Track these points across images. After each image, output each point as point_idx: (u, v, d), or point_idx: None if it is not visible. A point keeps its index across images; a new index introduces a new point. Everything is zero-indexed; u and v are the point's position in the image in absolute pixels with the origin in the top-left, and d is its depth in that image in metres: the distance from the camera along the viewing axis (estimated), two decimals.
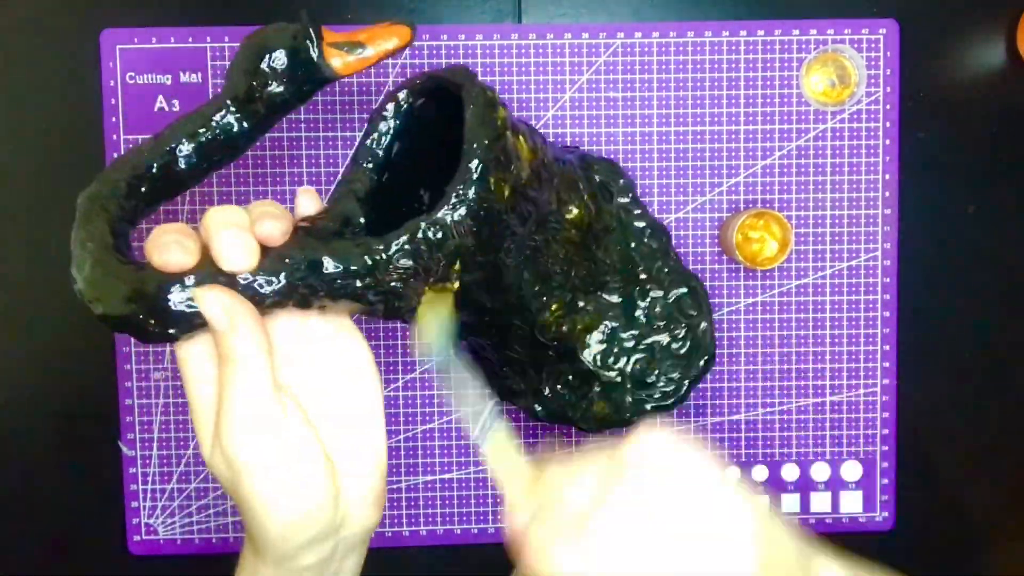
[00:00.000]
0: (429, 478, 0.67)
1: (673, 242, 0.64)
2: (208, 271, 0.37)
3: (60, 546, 0.67)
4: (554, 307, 0.58)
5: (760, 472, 0.68)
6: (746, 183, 0.66)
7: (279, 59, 0.42)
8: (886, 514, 0.68)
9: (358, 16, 0.65)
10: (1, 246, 0.66)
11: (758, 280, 0.67)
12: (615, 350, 0.61)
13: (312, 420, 0.39)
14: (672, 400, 0.61)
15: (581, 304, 0.60)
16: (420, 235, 0.41)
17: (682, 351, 0.61)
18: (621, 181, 0.63)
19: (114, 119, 0.65)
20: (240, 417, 0.36)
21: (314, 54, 0.42)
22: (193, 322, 0.36)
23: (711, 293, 0.67)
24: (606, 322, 0.61)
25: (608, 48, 0.66)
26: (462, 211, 0.42)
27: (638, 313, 0.62)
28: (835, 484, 0.68)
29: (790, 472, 0.68)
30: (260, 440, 0.37)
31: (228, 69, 0.42)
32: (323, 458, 0.39)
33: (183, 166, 0.41)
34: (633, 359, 0.61)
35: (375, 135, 0.48)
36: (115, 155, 0.64)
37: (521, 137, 0.50)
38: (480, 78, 0.49)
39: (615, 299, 0.61)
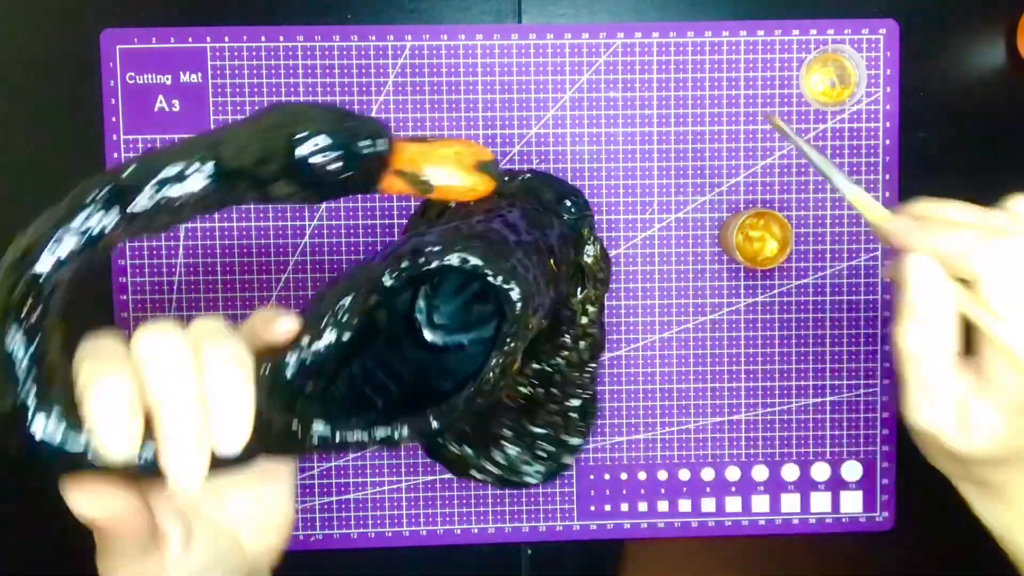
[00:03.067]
0: (429, 478, 0.67)
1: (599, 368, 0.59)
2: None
3: (60, 546, 0.67)
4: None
5: (760, 472, 0.68)
6: (746, 183, 0.66)
7: (314, 159, 0.29)
8: (886, 514, 0.68)
9: (358, 16, 0.65)
10: (0, 246, 0.66)
11: (758, 280, 0.67)
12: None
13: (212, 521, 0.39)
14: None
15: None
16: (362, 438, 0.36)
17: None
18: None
19: (114, 119, 0.65)
20: None
21: (375, 180, 0.31)
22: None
23: (711, 293, 0.67)
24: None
25: (608, 48, 0.66)
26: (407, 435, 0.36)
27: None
28: (835, 484, 0.68)
29: (790, 472, 0.68)
30: None
31: (237, 129, 0.30)
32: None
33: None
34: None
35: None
36: (115, 155, 0.64)
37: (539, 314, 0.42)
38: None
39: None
